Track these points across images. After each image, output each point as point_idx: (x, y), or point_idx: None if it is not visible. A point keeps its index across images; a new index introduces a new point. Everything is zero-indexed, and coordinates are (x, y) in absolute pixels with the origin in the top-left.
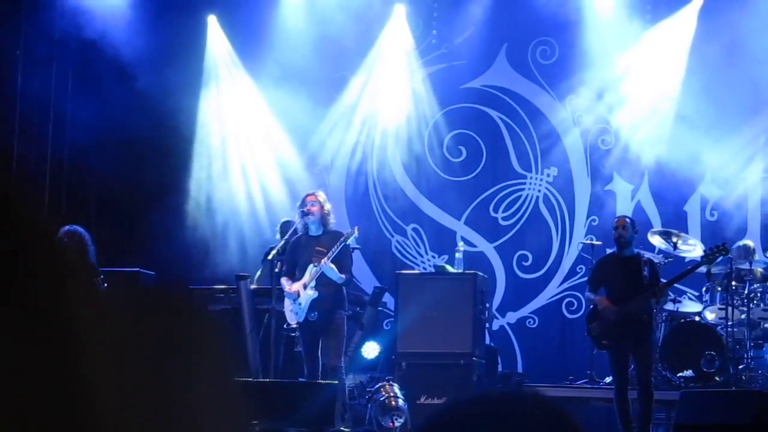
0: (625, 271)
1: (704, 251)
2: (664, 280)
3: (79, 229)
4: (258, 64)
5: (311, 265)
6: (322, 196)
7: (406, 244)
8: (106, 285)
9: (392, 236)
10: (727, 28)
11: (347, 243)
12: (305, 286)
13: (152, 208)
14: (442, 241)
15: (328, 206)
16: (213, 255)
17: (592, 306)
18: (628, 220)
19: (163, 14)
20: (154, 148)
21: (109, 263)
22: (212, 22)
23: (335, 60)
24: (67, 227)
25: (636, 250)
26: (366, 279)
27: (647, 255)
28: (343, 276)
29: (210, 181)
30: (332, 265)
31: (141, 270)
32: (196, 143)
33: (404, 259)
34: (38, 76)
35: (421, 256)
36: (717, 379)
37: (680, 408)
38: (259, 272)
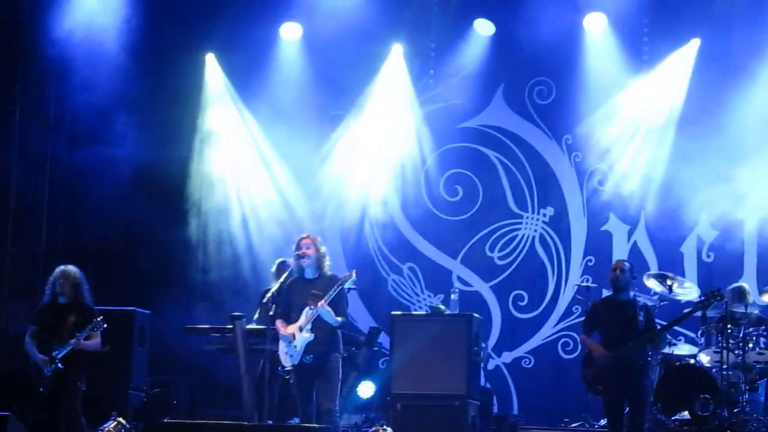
0: (619, 317)
1: (699, 296)
2: (661, 322)
3: (74, 268)
4: (256, 101)
5: (307, 308)
6: (317, 239)
7: (402, 284)
8: (105, 326)
9: (388, 275)
10: (724, 71)
11: (343, 286)
12: (301, 329)
13: (149, 246)
14: (438, 280)
15: (323, 249)
16: (209, 293)
17: (587, 351)
18: (626, 264)
19: (161, 54)
20: (152, 186)
21: (105, 302)
22: (210, 60)
23: (332, 98)
24: (61, 267)
25: (632, 294)
26: (362, 318)
27: (643, 300)
28: (338, 319)
29: (208, 220)
30: (328, 309)
31: (136, 309)
32: (194, 181)
33: (400, 299)
34: (35, 117)
35: (417, 295)
36: (712, 422)
37: None
38: (256, 313)
